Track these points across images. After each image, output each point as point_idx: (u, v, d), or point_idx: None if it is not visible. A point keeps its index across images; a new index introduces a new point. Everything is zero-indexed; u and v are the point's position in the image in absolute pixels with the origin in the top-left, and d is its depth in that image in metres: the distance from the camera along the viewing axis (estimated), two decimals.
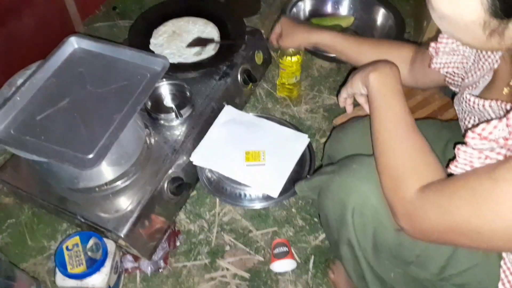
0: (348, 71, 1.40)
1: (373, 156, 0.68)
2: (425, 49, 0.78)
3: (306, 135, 1.10)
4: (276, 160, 1.05)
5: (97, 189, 0.94)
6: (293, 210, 1.14)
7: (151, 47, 1.18)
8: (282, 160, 1.05)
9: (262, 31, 1.31)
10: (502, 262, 0.59)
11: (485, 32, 0.49)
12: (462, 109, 0.66)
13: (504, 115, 0.50)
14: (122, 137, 0.82)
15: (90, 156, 0.78)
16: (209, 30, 1.22)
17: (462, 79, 0.71)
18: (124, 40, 1.29)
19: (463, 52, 0.70)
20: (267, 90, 1.39)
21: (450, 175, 0.57)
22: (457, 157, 0.54)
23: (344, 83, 0.82)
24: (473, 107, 0.62)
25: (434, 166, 0.61)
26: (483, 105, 0.59)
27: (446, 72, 0.74)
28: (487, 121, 0.52)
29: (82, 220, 0.93)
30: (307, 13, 1.53)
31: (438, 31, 0.66)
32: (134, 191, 0.95)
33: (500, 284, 0.59)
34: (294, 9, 1.48)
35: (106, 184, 0.94)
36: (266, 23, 1.49)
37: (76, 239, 0.93)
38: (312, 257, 1.07)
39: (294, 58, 1.20)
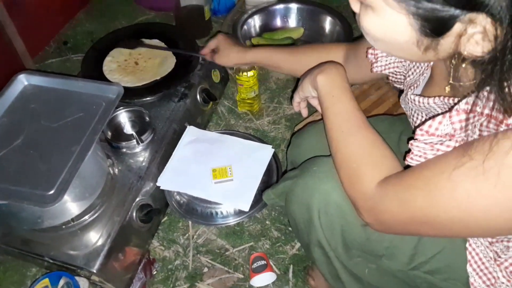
0: None
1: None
2: (356, 44, 0.80)
3: (270, 146, 1.11)
4: (244, 173, 1.05)
5: (63, 226, 0.91)
6: (267, 222, 1.14)
7: (106, 75, 1.17)
8: (250, 173, 1.05)
9: None
10: (467, 244, 0.61)
11: (420, 49, 0.50)
12: (410, 108, 0.68)
13: (448, 110, 0.52)
14: (83, 169, 0.80)
15: (51, 192, 0.76)
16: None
17: (404, 77, 0.73)
18: (78, 73, 1.27)
19: None
20: (228, 107, 1.40)
21: (407, 166, 0.58)
22: (412, 150, 0.56)
23: (295, 88, 0.83)
24: (419, 106, 0.63)
25: (389, 158, 0.62)
26: (428, 103, 0.61)
27: (389, 72, 0.77)
28: (433, 117, 0.53)
29: (51, 261, 0.89)
30: (257, 29, 1.55)
31: None
32: (103, 223, 0.93)
33: (468, 266, 0.60)
34: (245, 27, 1.51)
35: (72, 220, 0.91)
36: None
37: (46, 281, 0.89)
38: (291, 266, 1.06)
39: (250, 73, 1.22)
